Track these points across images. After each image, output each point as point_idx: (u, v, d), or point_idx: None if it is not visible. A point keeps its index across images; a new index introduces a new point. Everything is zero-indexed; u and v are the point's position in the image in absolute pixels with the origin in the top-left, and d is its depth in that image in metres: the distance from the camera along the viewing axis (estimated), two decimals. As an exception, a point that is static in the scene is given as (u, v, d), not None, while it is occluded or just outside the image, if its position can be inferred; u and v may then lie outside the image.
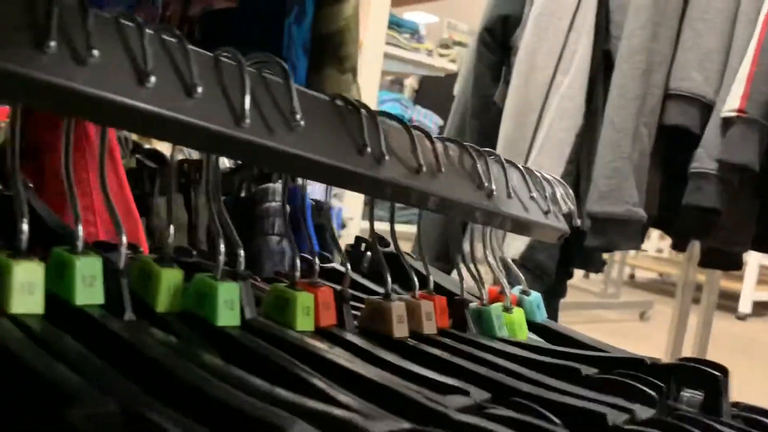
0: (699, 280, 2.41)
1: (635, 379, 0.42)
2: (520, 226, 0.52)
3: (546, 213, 0.54)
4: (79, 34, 0.29)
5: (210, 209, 0.41)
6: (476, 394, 0.36)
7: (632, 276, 5.43)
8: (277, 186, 0.86)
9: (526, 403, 0.35)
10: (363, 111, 0.41)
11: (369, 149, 0.40)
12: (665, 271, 5.10)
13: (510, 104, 1.41)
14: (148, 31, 0.32)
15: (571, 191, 0.56)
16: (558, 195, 0.55)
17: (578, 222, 0.58)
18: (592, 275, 4.33)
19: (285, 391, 0.27)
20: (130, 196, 0.65)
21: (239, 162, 1.05)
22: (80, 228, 0.35)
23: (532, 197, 0.52)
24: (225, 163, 1.12)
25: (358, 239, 0.73)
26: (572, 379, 0.43)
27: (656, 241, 5.25)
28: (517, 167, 0.53)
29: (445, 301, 0.53)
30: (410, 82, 3.93)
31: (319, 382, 0.31)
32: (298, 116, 0.36)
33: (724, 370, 0.45)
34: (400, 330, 0.47)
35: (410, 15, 3.55)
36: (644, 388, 0.41)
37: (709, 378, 0.45)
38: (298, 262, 0.45)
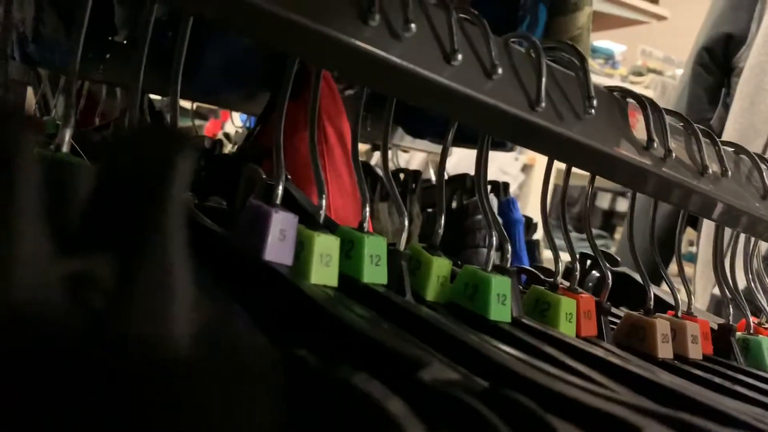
0: None
1: None
2: (805, 247, 0.46)
3: (837, 234, 0.47)
4: (397, 11, 0.30)
5: (480, 203, 0.40)
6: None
7: None
8: (491, 198, 0.84)
9: None
10: (648, 105, 0.38)
11: (655, 144, 0.37)
12: None
13: (731, 128, 1.29)
14: (453, 11, 0.32)
15: None
16: None
17: None
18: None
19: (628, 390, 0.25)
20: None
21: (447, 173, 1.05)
22: (367, 209, 0.35)
23: (822, 214, 0.46)
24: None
25: (584, 255, 0.69)
26: None
27: None
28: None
29: (708, 325, 0.48)
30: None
31: (622, 389, 0.28)
32: (595, 102, 0.34)
33: None
34: (665, 350, 0.43)
35: (600, 44, 3.42)
36: None
37: None
38: (561, 266, 0.42)
